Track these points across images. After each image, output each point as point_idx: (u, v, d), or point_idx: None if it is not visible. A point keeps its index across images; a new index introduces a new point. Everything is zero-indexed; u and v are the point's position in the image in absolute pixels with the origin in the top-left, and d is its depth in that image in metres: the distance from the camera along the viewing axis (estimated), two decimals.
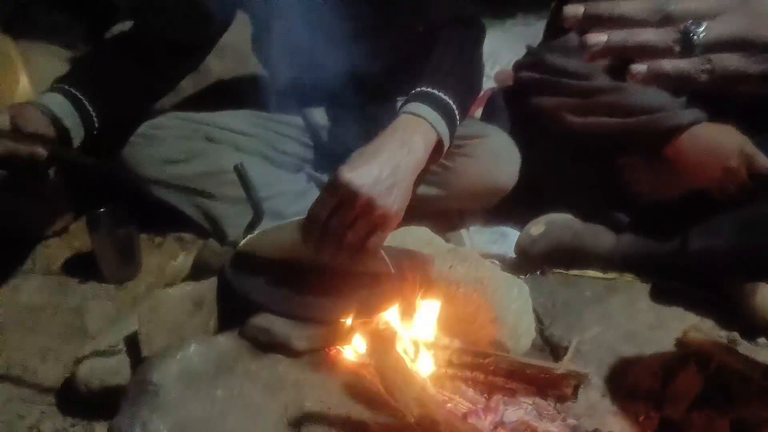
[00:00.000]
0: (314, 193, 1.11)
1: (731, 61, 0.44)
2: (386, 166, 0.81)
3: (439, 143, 0.92)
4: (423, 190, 1.15)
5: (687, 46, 0.43)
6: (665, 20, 0.44)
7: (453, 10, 1.10)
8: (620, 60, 0.46)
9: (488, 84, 1.89)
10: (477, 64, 1.11)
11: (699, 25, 0.43)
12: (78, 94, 1.03)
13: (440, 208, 1.18)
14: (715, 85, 0.44)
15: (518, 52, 2.04)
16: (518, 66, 1.20)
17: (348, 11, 1.19)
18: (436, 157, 0.95)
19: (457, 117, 0.96)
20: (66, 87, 1.03)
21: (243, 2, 1.24)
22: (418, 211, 1.18)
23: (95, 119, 1.05)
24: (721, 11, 0.44)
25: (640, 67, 0.45)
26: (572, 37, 1.12)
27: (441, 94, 0.95)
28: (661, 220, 1.07)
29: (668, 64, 0.44)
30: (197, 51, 1.28)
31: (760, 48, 0.43)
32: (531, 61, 1.15)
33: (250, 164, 1.17)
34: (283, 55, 1.27)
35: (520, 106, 1.15)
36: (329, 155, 1.27)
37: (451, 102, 0.95)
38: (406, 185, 0.83)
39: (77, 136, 1.02)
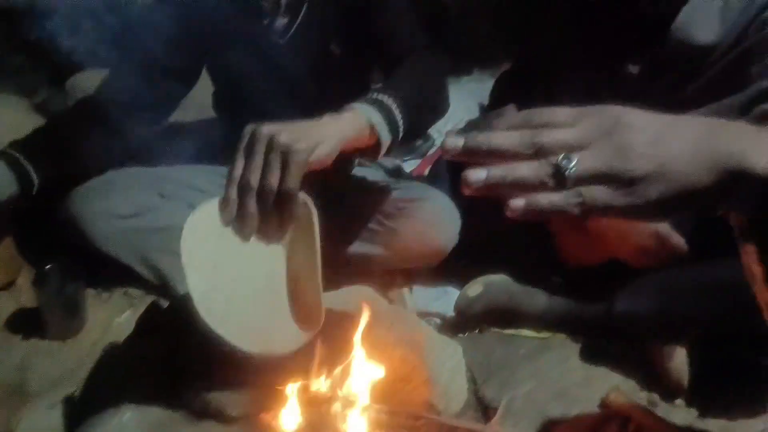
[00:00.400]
0: None
1: (600, 193, 0.46)
2: (298, 124, 0.84)
3: (373, 134, 0.94)
4: (367, 249, 1.21)
5: (560, 180, 0.46)
6: (539, 152, 0.47)
7: (415, 41, 1.17)
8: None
9: (441, 140, 1.97)
10: (437, 82, 1.15)
11: (570, 159, 0.46)
12: (16, 154, 1.10)
13: (384, 267, 1.23)
14: (587, 215, 0.47)
15: (472, 110, 2.13)
16: (460, 131, 1.27)
17: (311, 67, 1.25)
18: (373, 150, 0.97)
19: (399, 119, 0.99)
20: (6, 150, 1.11)
21: (207, 59, 1.30)
22: (362, 270, 1.24)
23: (34, 179, 1.11)
24: (589, 143, 0.47)
25: (518, 203, 0.47)
26: (509, 109, 1.19)
27: (379, 95, 0.99)
28: (590, 283, 1.14)
29: (544, 199, 0.46)
30: (163, 109, 1.31)
31: (624, 180, 0.46)
32: (470, 129, 1.22)
33: None
34: (242, 111, 1.32)
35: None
36: None
37: (390, 101, 0.98)
38: (321, 131, 0.84)
39: (5, 193, 1.08)
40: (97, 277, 1.20)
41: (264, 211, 0.80)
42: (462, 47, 2.62)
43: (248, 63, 1.25)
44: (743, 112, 0.97)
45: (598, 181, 0.46)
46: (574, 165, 0.46)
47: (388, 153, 1.08)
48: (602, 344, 1.11)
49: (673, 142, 0.47)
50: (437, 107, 1.18)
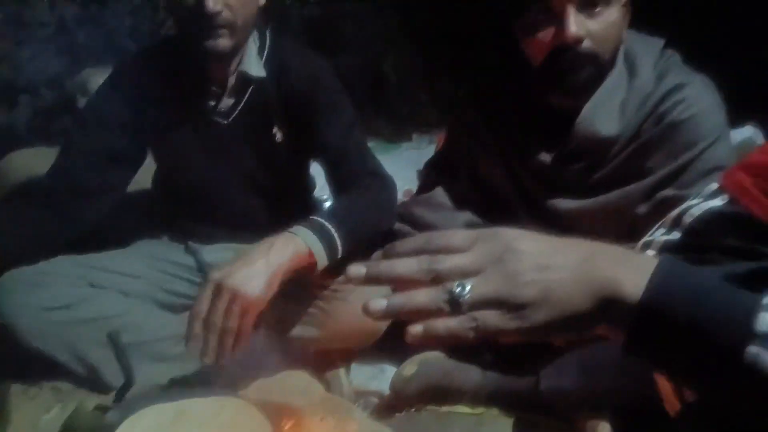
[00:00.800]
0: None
1: (492, 318, 0.49)
2: (249, 262, 0.98)
3: (311, 257, 1.05)
4: (303, 332, 1.22)
5: (455, 307, 0.49)
6: (436, 279, 0.50)
7: (363, 165, 1.23)
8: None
9: None
10: (380, 208, 1.22)
11: (464, 287, 0.49)
12: None
13: (320, 348, 1.24)
14: (482, 339, 0.50)
15: (410, 178, 2.20)
16: None
17: (252, 149, 1.28)
18: (309, 269, 1.07)
19: (338, 242, 1.08)
20: None
21: (151, 141, 1.31)
22: (299, 351, 1.25)
23: None
24: (482, 269, 0.50)
25: (416, 329, 0.49)
26: (438, 192, 1.25)
27: (323, 221, 1.08)
28: (520, 359, 1.18)
29: (440, 325, 0.49)
30: (109, 195, 1.30)
31: (513, 306, 0.49)
32: (402, 211, 1.27)
33: (135, 309, 1.22)
34: (183, 190, 1.33)
35: None
36: None
37: (332, 228, 1.08)
38: (266, 277, 0.98)
39: None
40: (23, 371, 1.16)
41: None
42: (401, 113, 2.74)
43: (192, 143, 1.28)
44: (646, 198, 1.06)
45: (490, 306, 0.50)
46: (467, 292, 0.49)
47: None
48: (534, 418, 1.15)
49: (556, 269, 0.51)
50: (381, 229, 1.24)
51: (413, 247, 0.54)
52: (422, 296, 0.50)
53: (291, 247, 1.03)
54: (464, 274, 0.51)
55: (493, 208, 1.20)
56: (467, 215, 1.20)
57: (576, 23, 0.99)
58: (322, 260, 1.06)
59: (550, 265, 0.51)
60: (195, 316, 0.95)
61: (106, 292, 1.19)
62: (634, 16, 1.09)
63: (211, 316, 0.94)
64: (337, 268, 1.19)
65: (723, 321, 0.46)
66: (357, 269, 0.53)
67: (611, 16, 1.02)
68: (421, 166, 2.02)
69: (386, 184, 1.25)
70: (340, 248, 1.08)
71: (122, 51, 1.82)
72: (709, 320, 0.46)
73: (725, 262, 0.70)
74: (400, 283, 0.52)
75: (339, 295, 1.19)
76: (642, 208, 1.05)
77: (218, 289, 0.95)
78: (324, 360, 1.24)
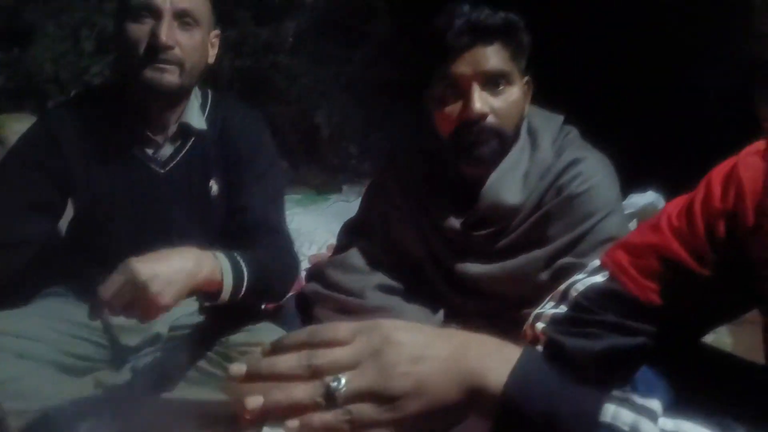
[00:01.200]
0: (98, 402, 1.12)
1: (366, 410, 0.51)
2: (170, 265, 1.01)
3: (220, 285, 1.08)
4: (211, 395, 1.18)
5: (330, 401, 0.51)
6: (315, 373, 0.52)
7: (272, 236, 1.25)
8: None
9: (305, 264, 2.01)
10: (280, 274, 1.24)
11: (339, 381, 0.51)
12: None
13: (230, 412, 1.20)
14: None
15: (334, 231, 2.21)
16: (307, 275, 1.32)
17: (185, 200, 1.26)
18: (213, 292, 1.09)
19: (245, 283, 1.12)
20: None
21: (75, 190, 1.26)
22: (216, 413, 1.21)
23: None
24: (359, 362, 0.52)
25: (293, 424, 0.50)
26: (352, 254, 1.26)
27: (240, 259, 1.12)
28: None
29: (316, 419, 0.50)
30: (29, 246, 1.24)
31: (386, 398, 0.51)
32: (315, 272, 1.27)
33: (31, 373, 1.15)
34: (103, 240, 1.29)
35: (306, 312, 1.26)
36: (125, 354, 1.27)
37: (245, 270, 1.12)
38: (179, 286, 1.00)
39: None
40: None
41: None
42: (332, 164, 2.77)
43: (122, 190, 1.25)
44: (547, 265, 1.10)
45: (365, 398, 0.51)
46: (342, 386, 0.51)
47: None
48: None
49: (429, 360, 0.52)
50: (276, 292, 1.28)
51: (298, 340, 0.55)
52: (299, 392, 0.51)
53: (210, 265, 1.06)
54: (341, 368, 0.52)
55: (406, 270, 1.22)
56: (380, 277, 1.21)
57: (480, 100, 1.05)
58: (226, 291, 1.09)
59: (424, 357, 0.53)
60: (101, 296, 0.97)
61: (1, 356, 1.13)
62: (536, 92, 1.16)
63: (116, 301, 0.97)
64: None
65: (573, 413, 0.49)
66: (238, 367, 0.53)
67: (513, 94, 1.08)
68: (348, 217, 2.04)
69: (291, 262, 1.28)
70: (244, 289, 1.11)
71: (42, 97, 1.78)
72: (560, 413, 0.49)
73: (606, 336, 0.74)
74: (279, 380, 0.52)
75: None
76: (544, 275, 1.09)
77: (131, 281, 0.96)
78: (234, 425, 1.21)
